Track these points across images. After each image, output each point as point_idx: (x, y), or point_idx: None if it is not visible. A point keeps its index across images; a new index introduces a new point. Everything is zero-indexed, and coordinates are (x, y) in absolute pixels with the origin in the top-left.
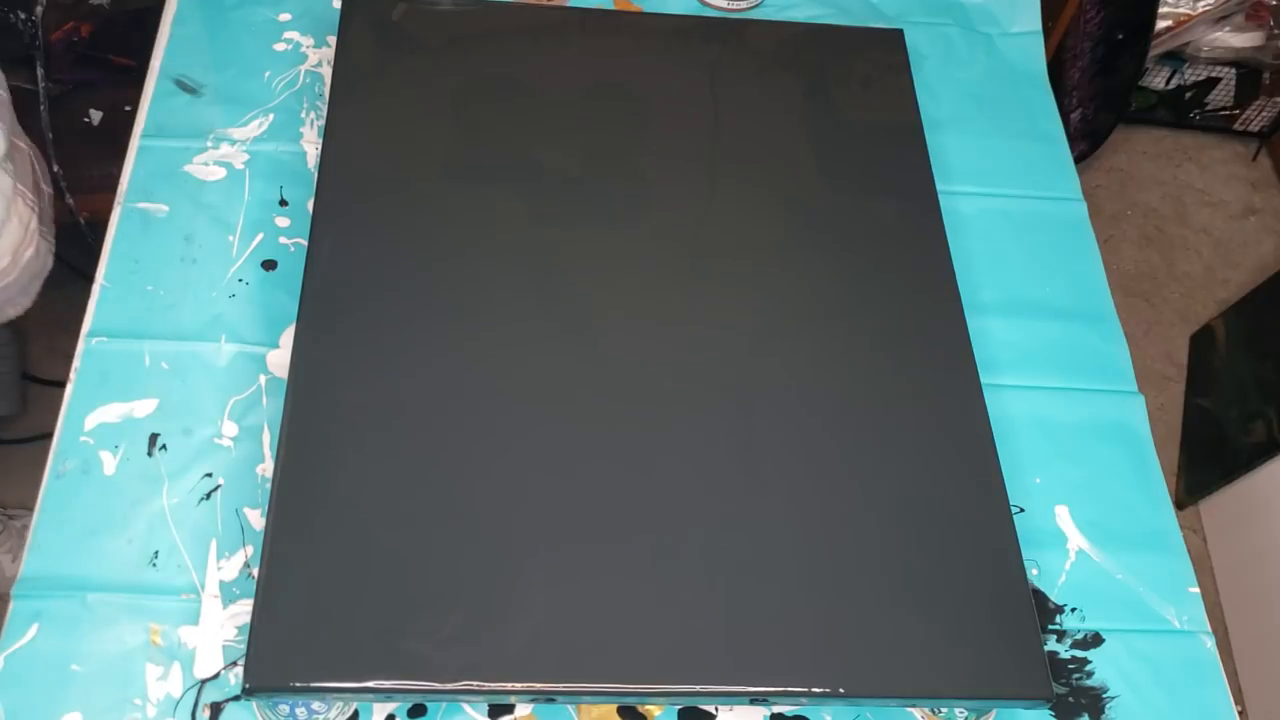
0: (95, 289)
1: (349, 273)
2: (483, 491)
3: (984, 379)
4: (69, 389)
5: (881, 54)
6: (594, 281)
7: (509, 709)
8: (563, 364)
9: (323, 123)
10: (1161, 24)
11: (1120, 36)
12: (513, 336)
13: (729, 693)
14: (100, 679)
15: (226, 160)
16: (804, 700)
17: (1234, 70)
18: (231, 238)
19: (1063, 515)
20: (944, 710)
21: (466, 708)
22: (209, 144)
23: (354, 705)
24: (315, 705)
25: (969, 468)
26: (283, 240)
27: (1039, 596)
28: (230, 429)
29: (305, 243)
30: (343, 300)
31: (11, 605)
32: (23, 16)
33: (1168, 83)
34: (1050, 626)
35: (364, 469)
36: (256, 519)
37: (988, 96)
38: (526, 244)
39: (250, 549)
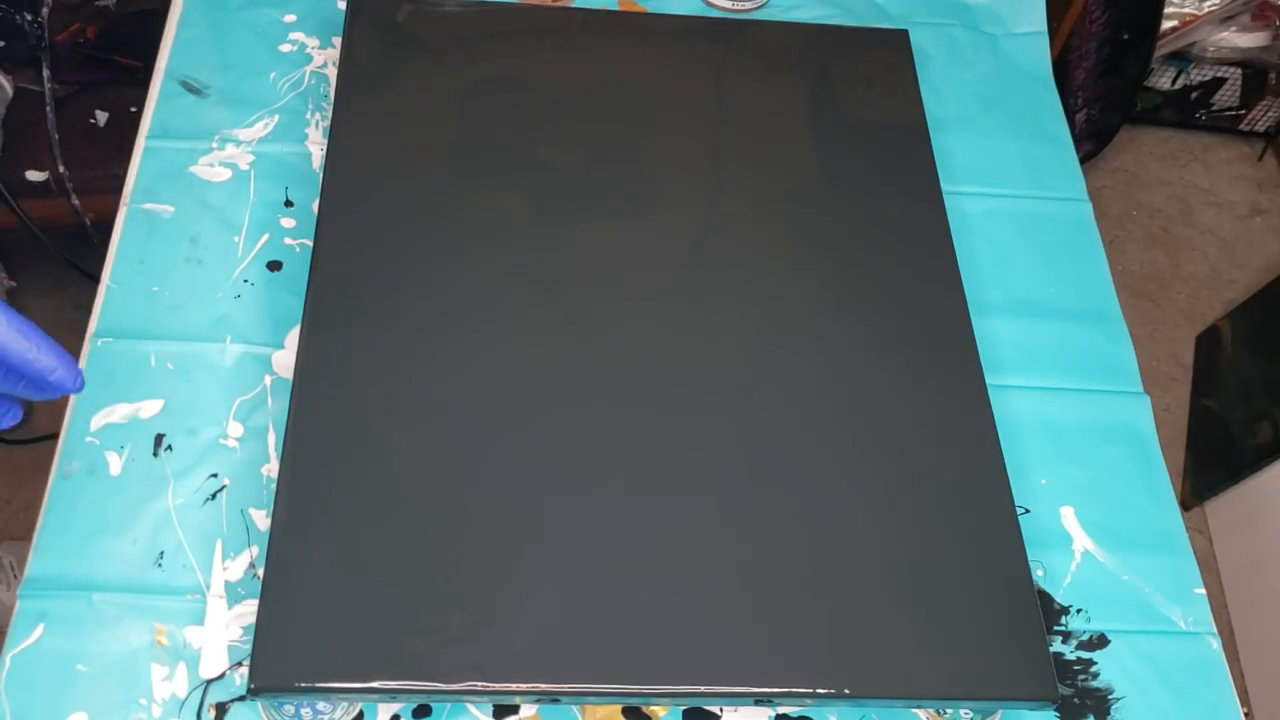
0: (101, 290)
1: (354, 274)
2: (488, 491)
3: (989, 379)
4: None
5: (886, 54)
6: (598, 283)
7: (514, 709)
8: (568, 364)
9: (328, 124)
10: (1167, 24)
11: (1125, 37)
12: (519, 337)
13: (734, 693)
14: (105, 679)
15: (232, 161)
16: (809, 701)
17: (1240, 70)
18: (237, 239)
19: (1068, 516)
20: (949, 711)
21: (471, 708)
22: (214, 145)
23: (359, 706)
24: (320, 705)
25: (974, 468)
26: (288, 241)
27: (1044, 597)
28: (235, 429)
29: (310, 244)
30: (348, 301)
31: (17, 605)
32: (29, 18)
33: (1173, 83)
34: (1056, 628)
35: (369, 469)
36: (262, 519)
37: (993, 97)
38: (531, 245)
39: (255, 549)
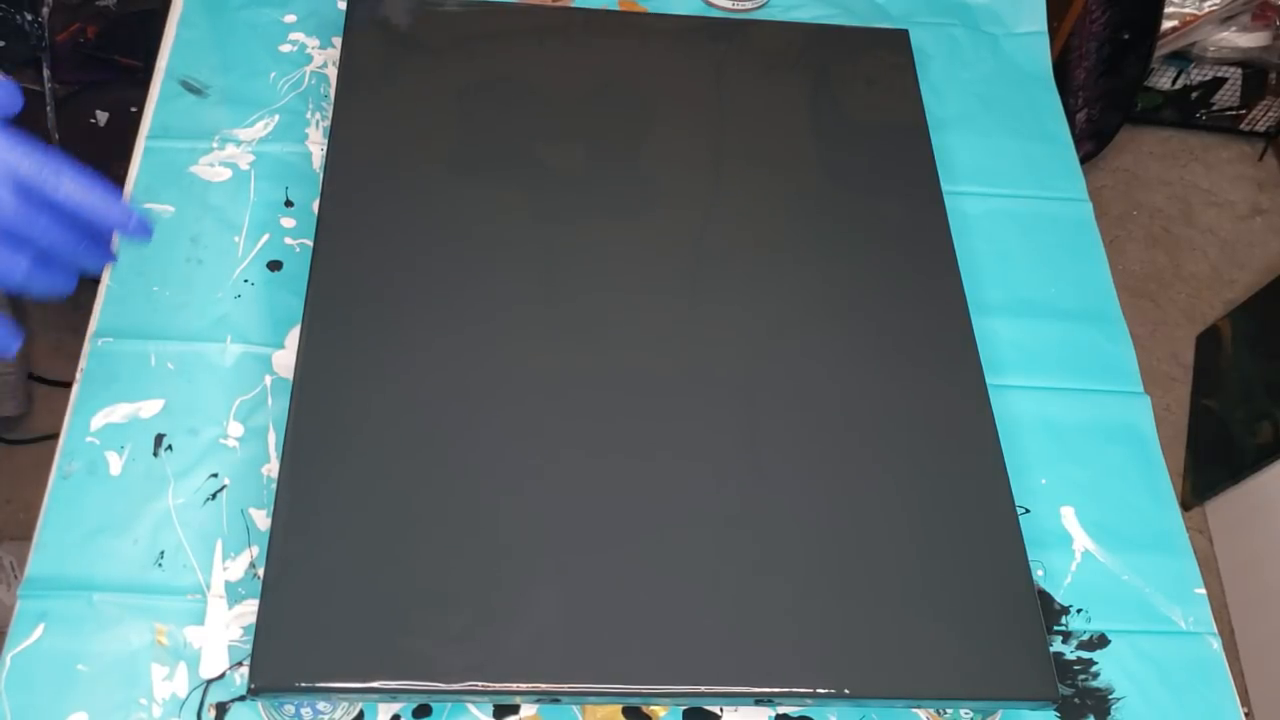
0: (101, 290)
1: (354, 274)
2: (488, 491)
3: (989, 379)
4: (75, 389)
5: (886, 54)
6: (598, 282)
7: (514, 709)
8: (568, 363)
9: (328, 124)
10: (1167, 24)
11: (1126, 36)
12: (518, 337)
13: (734, 693)
14: (106, 679)
15: (232, 161)
16: (809, 701)
17: (1240, 70)
18: (237, 239)
19: (1068, 516)
20: (949, 711)
21: (471, 708)
22: (215, 145)
23: (359, 706)
24: (320, 705)
25: (974, 468)
26: (288, 241)
27: (1044, 597)
28: (236, 429)
29: (310, 244)
30: (348, 301)
31: (17, 605)
32: (29, 18)
33: (1174, 83)
34: (1056, 627)
35: (368, 469)
36: (262, 519)
37: (993, 97)
38: (532, 245)
39: (255, 549)
